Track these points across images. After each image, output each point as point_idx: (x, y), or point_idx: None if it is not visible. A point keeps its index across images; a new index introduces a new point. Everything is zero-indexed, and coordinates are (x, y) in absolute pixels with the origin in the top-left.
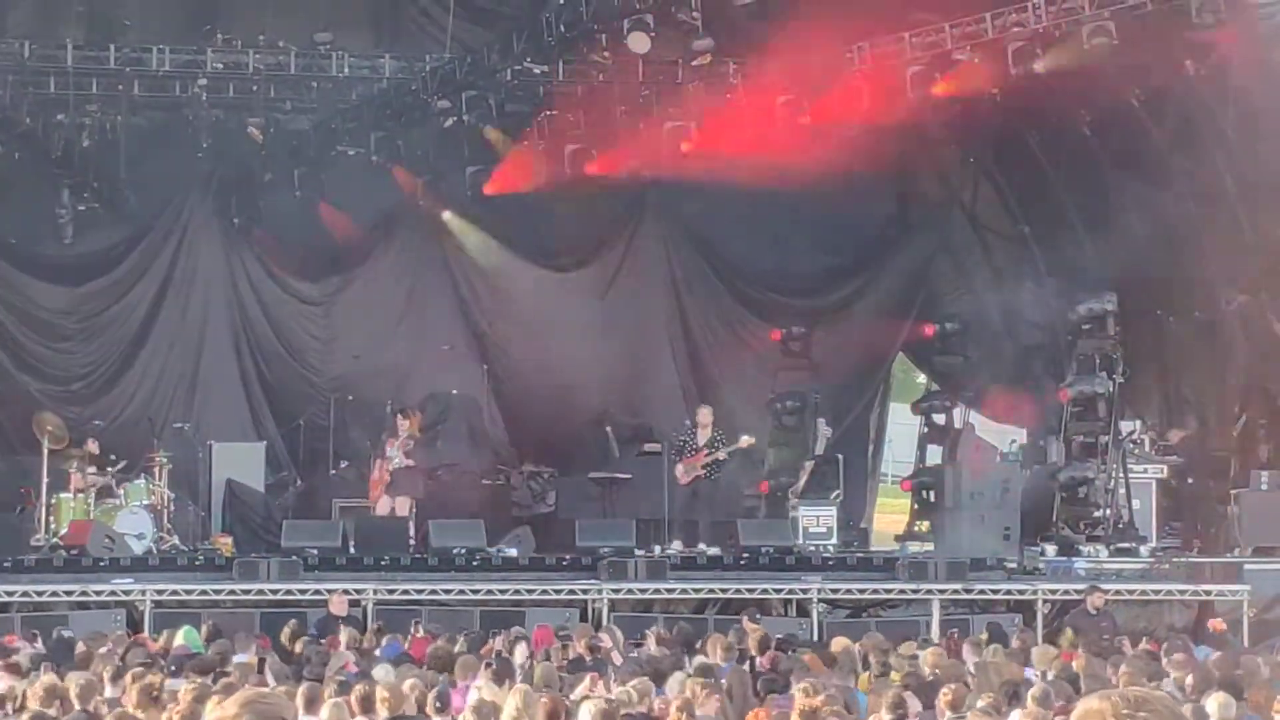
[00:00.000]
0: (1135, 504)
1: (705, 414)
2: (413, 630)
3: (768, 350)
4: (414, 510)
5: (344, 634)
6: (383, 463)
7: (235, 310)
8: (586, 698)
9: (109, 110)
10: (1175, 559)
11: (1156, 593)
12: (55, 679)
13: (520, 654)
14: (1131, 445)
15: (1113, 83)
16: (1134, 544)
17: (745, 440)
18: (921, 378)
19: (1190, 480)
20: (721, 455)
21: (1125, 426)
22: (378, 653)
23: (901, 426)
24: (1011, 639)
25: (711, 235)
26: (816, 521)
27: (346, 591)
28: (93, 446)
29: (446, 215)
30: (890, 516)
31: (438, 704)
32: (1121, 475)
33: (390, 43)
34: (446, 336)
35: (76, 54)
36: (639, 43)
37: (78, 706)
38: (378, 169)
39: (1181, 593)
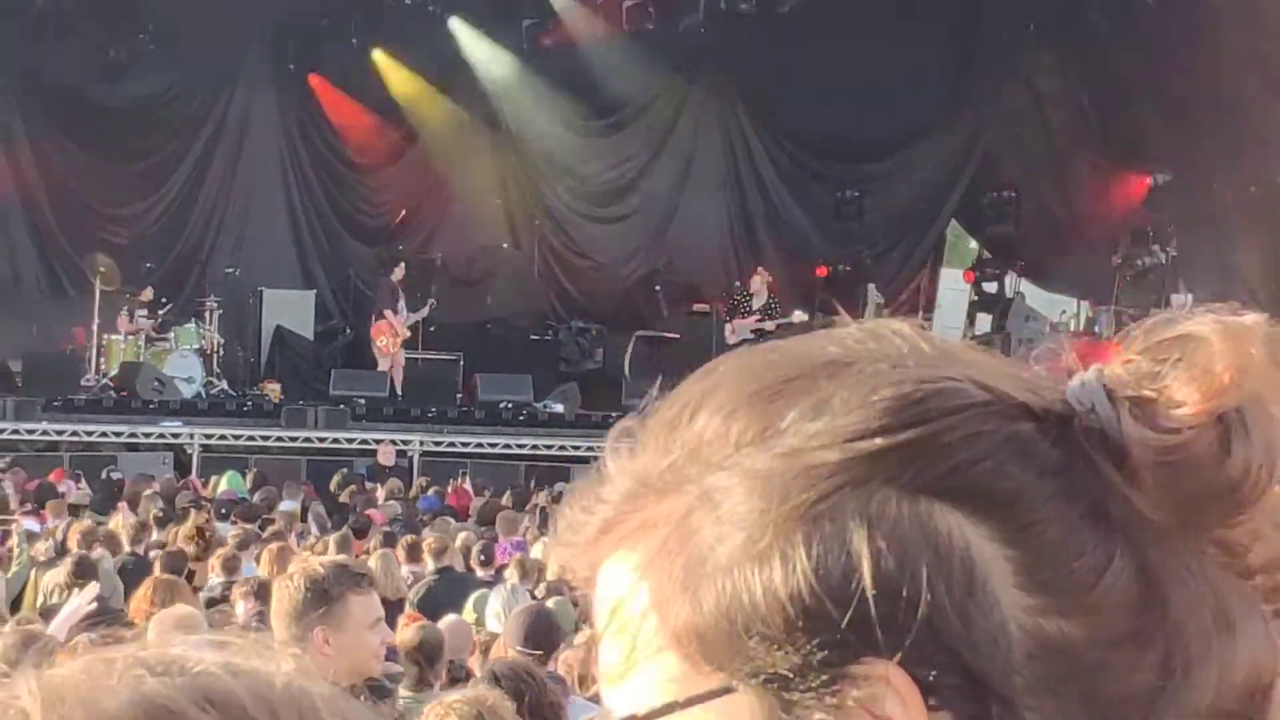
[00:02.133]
0: None
1: (760, 278)
2: (458, 482)
3: (821, 213)
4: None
5: (389, 484)
6: (398, 319)
7: (288, 158)
8: None
9: None
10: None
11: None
12: (93, 523)
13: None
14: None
15: None
16: None
17: (797, 315)
18: (973, 244)
19: None
20: (770, 326)
21: (1176, 299)
22: (419, 504)
23: (951, 292)
24: None
25: (769, 96)
26: None
27: (394, 442)
28: (147, 293)
29: (500, 68)
30: None
31: (482, 558)
32: None
33: None
34: (499, 190)
35: None
36: None
37: (127, 548)
38: (435, 18)
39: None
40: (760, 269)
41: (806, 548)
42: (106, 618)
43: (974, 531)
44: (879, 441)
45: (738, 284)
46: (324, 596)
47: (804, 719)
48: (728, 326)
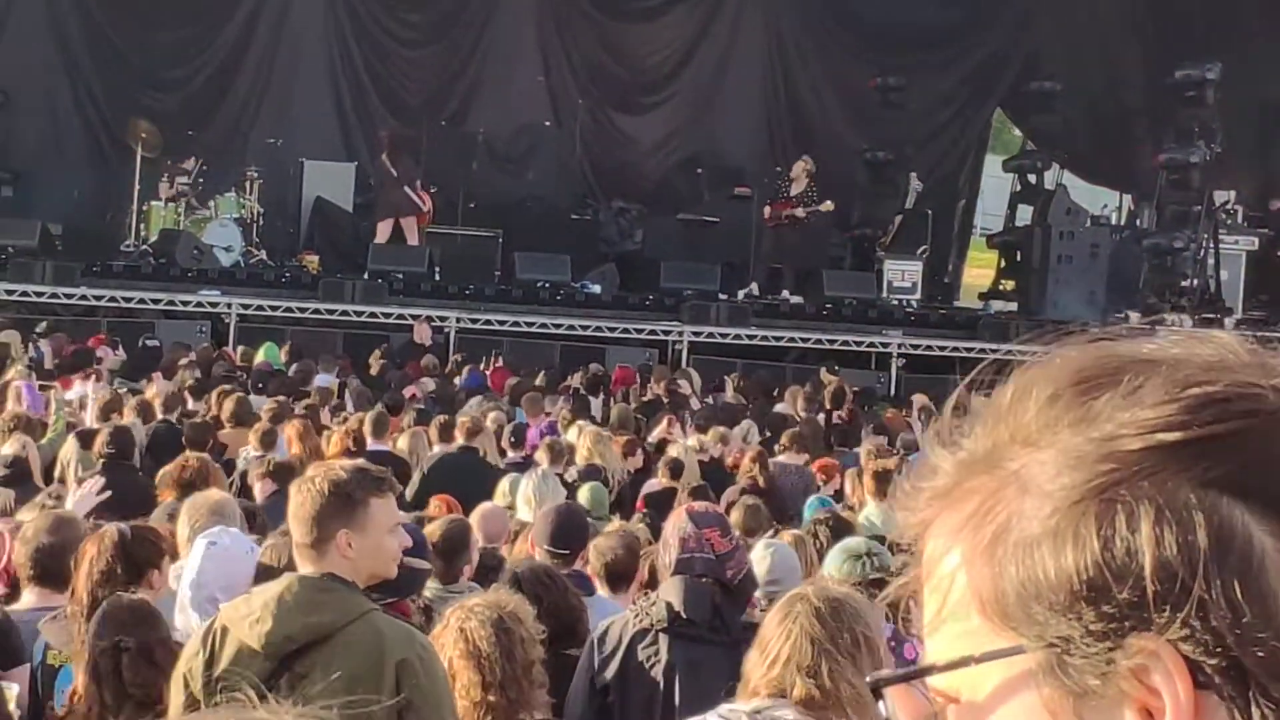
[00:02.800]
0: (1224, 275)
1: (801, 166)
2: (492, 360)
3: (864, 100)
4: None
5: (425, 360)
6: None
7: (331, 27)
8: (663, 440)
9: None
10: (1260, 332)
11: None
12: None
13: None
14: (1224, 215)
15: None
16: (1219, 315)
17: (826, 205)
18: (1018, 133)
19: None
20: (800, 213)
21: (1220, 196)
22: (457, 382)
23: (993, 180)
24: None
25: None
26: (902, 276)
27: (429, 318)
28: (188, 162)
29: None
30: (979, 270)
31: (513, 439)
32: (1211, 245)
33: None
34: (541, 68)
35: None
36: None
37: (160, 415)
38: None
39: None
40: (806, 157)
41: (1099, 526)
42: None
43: (1257, 527)
44: (1178, 434)
45: (779, 169)
46: (347, 500)
47: (1080, 682)
48: (765, 209)
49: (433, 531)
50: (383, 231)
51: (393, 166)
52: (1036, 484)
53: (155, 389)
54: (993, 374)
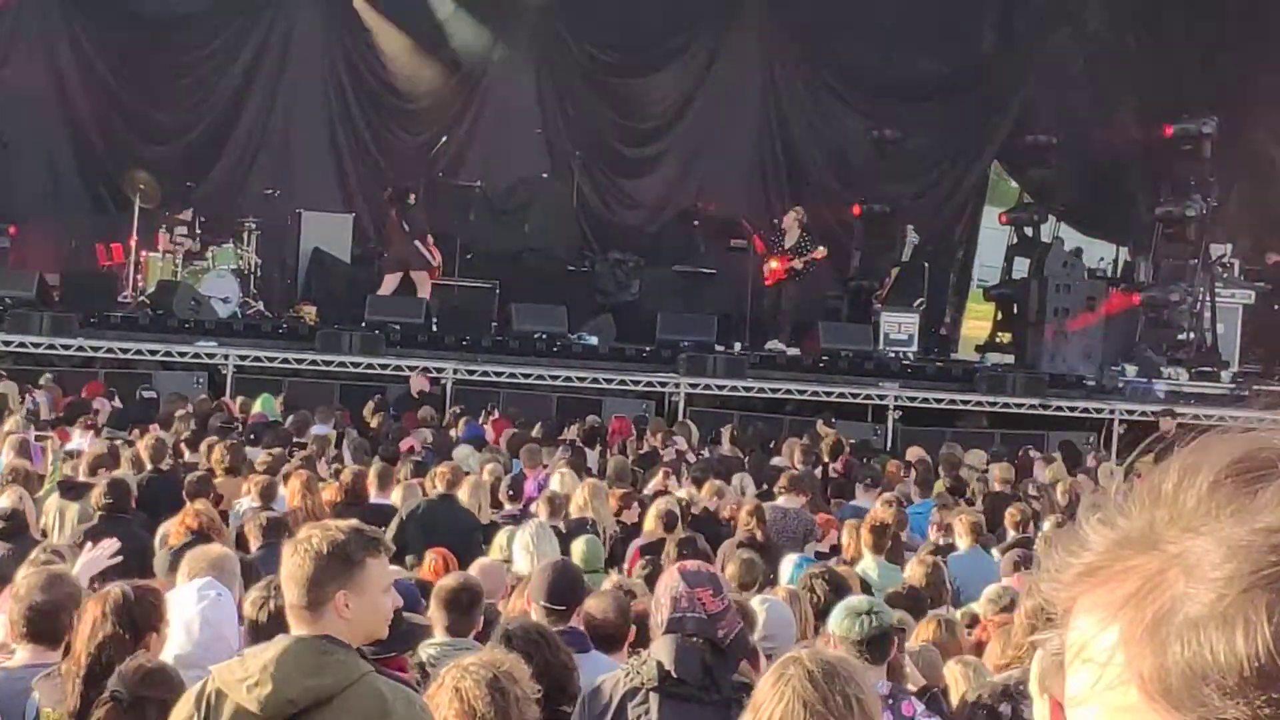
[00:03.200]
0: (1220, 328)
1: (793, 216)
2: (489, 412)
3: (860, 152)
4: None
5: (422, 412)
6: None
7: (329, 79)
8: (658, 492)
9: None
10: (1256, 386)
11: (1234, 419)
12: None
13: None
14: (1220, 269)
15: None
16: (1215, 369)
17: (820, 251)
18: (1014, 185)
19: (1277, 307)
20: (798, 265)
21: (1216, 250)
22: (454, 434)
23: (990, 232)
24: (1086, 457)
25: (812, 32)
26: (898, 328)
27: (426, 370)
28: (185, 213)
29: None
30: (976, 323)
31: (510, 492)
32: (1208, 299)
33: None
34: (539, 121)
35: None
36: None
37: (149, 466)
38: None
39: (1260, 420)
40: (796, 208)
41: (1269, 613)
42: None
43: None
44: None
45: (775, 221)
46: (345, 561)
47: None
48: (765, 267)
49: (449, 584)
50: (388, 284)
51: (405, 221)
52: (1201, 569)
53: (150, 439)
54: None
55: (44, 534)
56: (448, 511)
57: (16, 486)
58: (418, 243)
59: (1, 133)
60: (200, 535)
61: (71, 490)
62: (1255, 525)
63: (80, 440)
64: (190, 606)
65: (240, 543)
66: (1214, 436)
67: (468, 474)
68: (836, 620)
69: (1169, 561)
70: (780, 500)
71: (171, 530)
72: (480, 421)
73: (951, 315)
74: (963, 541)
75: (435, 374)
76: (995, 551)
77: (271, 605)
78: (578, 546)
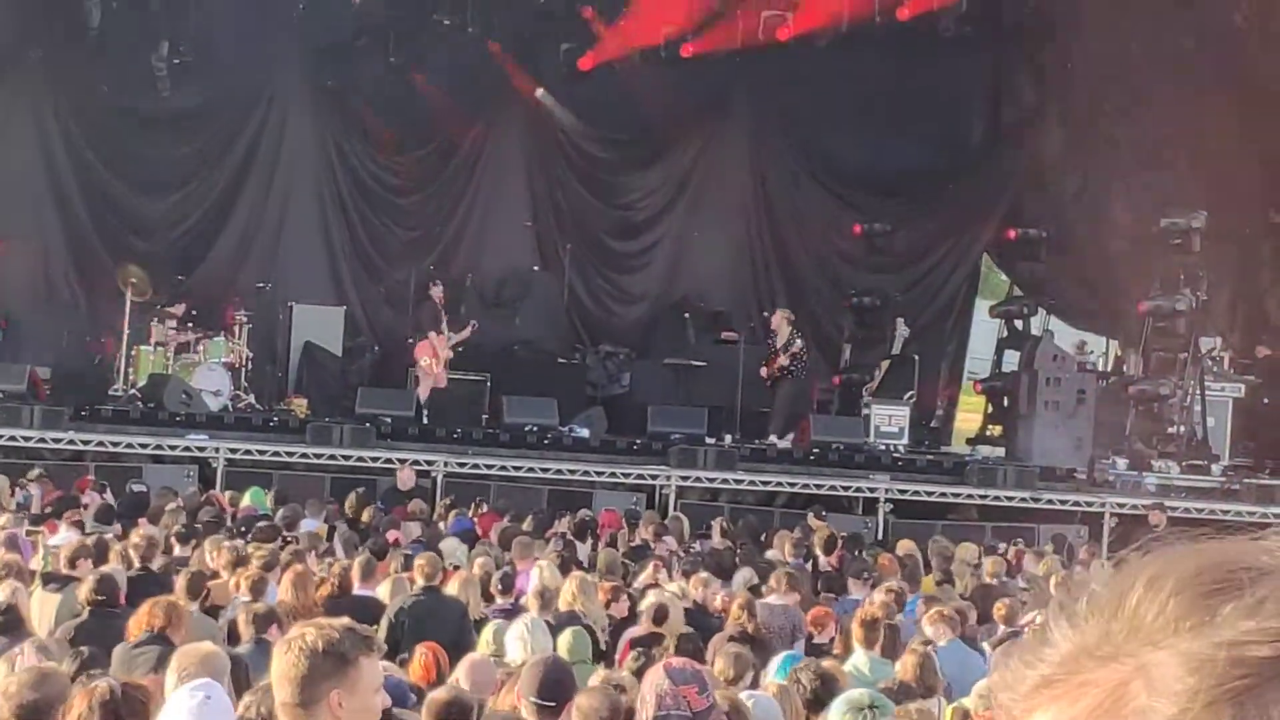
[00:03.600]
0: (1210, 421)
1: (781, 315)
2: (478, 505)
3: (850, 246)
4: (489, 385)
5: (412, 505)
6: (442, 338)
7: (322, 173)
8: (648, 586)
9: None
10: (1247, 479)
11: (1225, 513)
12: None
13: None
14: (1210, 363)
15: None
16: (1206, 462)
17: (798, 344)
18: (1004, 278)
19: (1266, 401)
20: (784, 361)
21: (1206, 343)
22: (443, 526)
23: (980, 325)
24: (1078, 551)
25: (801, 126)
26: (889, 421)
27: (416, 462)
28: (177, 306)
29: (539, 91)
30: (966, 415)
31: (501, 585)
32: (1198, 392)
33: None
34: (530, 213)
35: None
36: None
37: (137, 563)
38: (473, 40)
39: (1251, 514)
40: (783, 308)
41: None
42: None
43: None
44: None
45: (765, 314)
46: (340, 660)
47: None
48: (762, 370)
49: (439, 698)
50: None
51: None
52: (1163, 683)
53: (140, 534)
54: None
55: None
56: (436, 605)
57: (10, 581)
58: (432, 333)
59: None
60: (159, 636)
61: (53, 583)
62: (1216, 639)
63: (66, 534)
64: (182, 709)
65: (233, 639)
66: (1174, 549)
67: (456, 568)
68: (838, 713)
69: (1130, 675)
70: (771, 597)
71: (130, 625)
72: (470, 514)
73: (945, 408)
74: (943, 636)
75: (426, 466)
76: (986, 645)
77: (263, 708)
78: (564, 639)
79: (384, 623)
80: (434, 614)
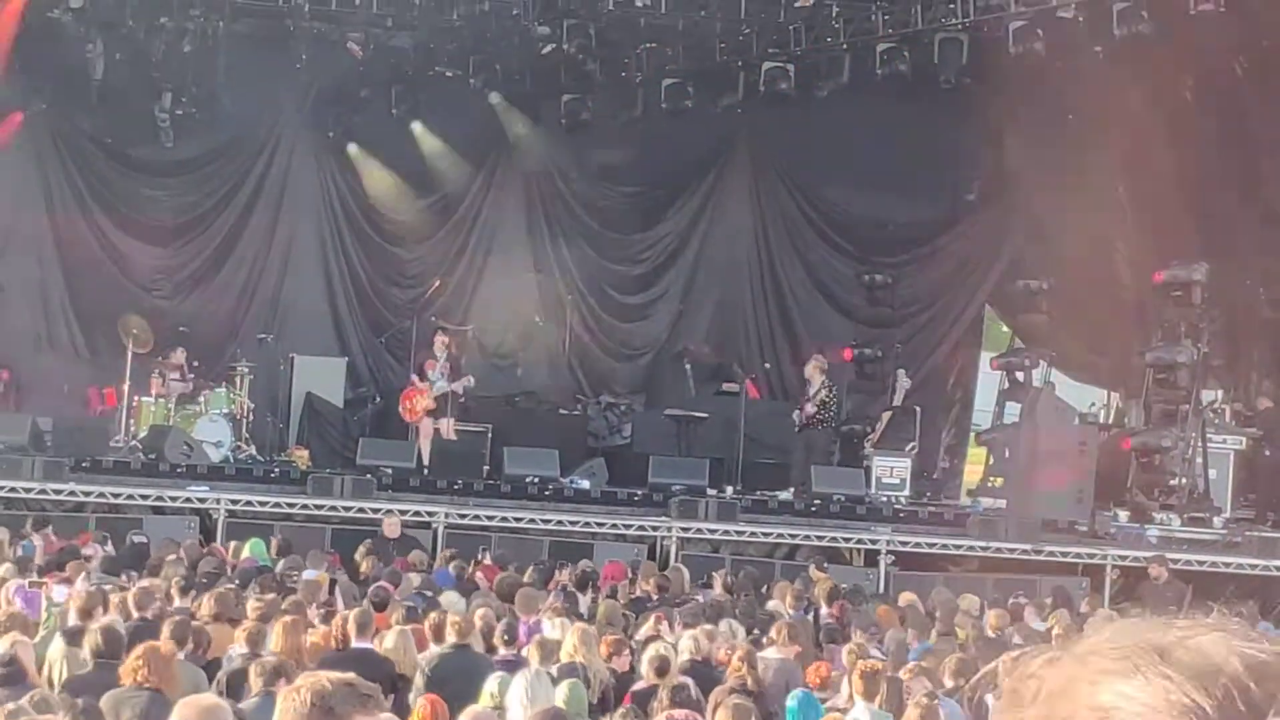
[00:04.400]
0: (1212, 474)
1: (815, 364)
2: (479, 556)
3: (852, 298)
4: (490, 435)
5: (412, 555)
6: (424, 386)
7: (324, 224)
8: (650, 637)
9: (211, 16)
10: (1249, 532)
11: (1227, 565)
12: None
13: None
14: (1212, 415)
15: (1217, 50)
16: (1208, 514)
17: (822, 393)
18: (1005, 329)
19: (1268, 453)
20: (811, 409)
21: (1207, 395)
22: (433, 577)
23: (982, 376)
24: (1080, 603)
25: (804, 178)
26: (890, 472)
27: (418, 514)
28: (179, 357)
29: (538, 144)
30: (972, 467)
31: (506, 637)
32: (1200, 444)
33: None
34: (532, 263)
35: None
36: None
37: (135, 614)
38: (475, 91)
39: (1253, 566)
40: (817, 356)
41: None
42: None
43: None
44: None
45: (767, 365)
46: (329, 714)
47: None
48: (795, 414)
49: None
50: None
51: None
52: None
53: (136, 588)
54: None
55: (50, 682)
56: (469, 661)
57: (14, 633)
58: (414, 378)
59: None
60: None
61: (74, 637)
62: None
63: (68, 586)
64: None
65: (232, 691)
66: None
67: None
68: None
69: None
70: (770, 651)
71: (121, 673)
72: (469, 567)
73: (952, 461)
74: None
75: (427, 518)
76: (990, 698)
77: None
78: (560, 692)
79: (418, 681)
80: (466, 671)
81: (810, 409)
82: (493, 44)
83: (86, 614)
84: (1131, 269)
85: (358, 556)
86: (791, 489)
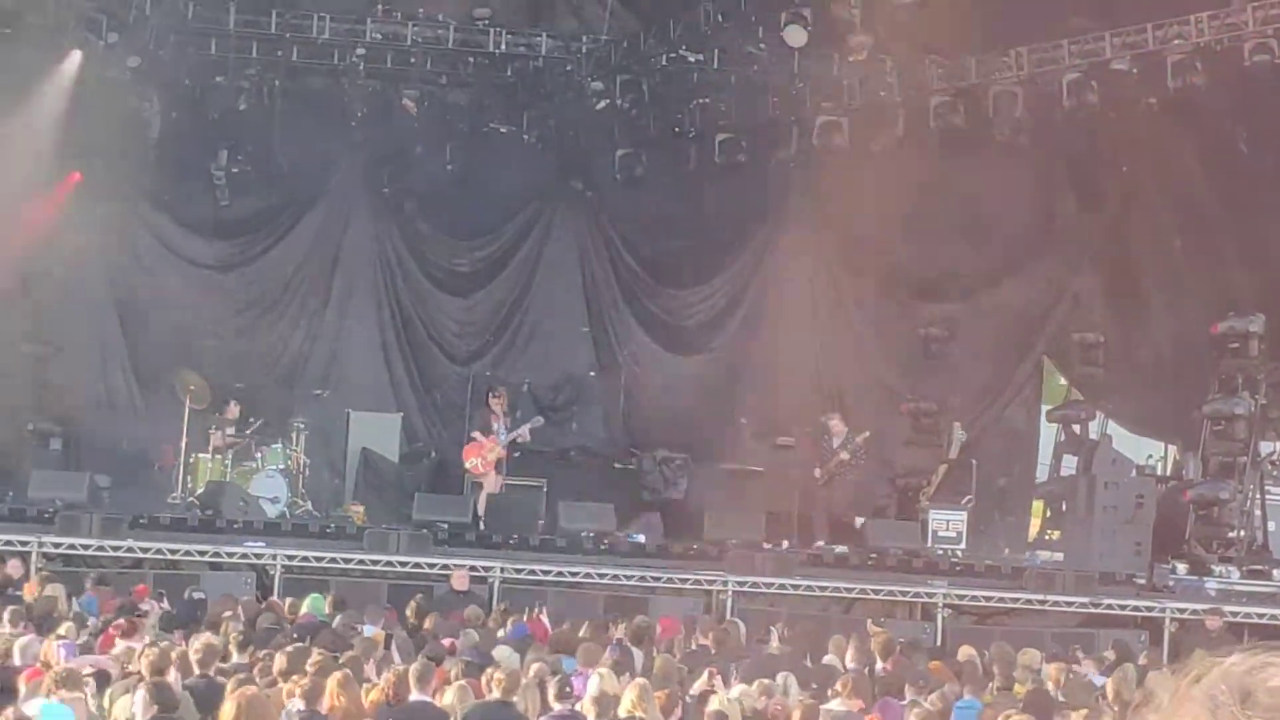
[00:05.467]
0: (1271, 526)
1: (836, 421)
2: (535, 612)
3: (907, 351)
4: (545, 490)
5: (468, 611)
6: (488, 440)
7: (379, 280)
8: (705, 692)
9: (267, 75)
10: None
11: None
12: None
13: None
14: (1270, 467)
15: (1272, 100)
16: (1267, 566)
17: (864, 434)
18: (1063, 381)
19: None
20: (845, 456)
21: (1265, 447)
22: (501, 634)
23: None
24: (1139, 657)
25: (858, 233)
26: (946, 526)
27: (473, 568)
28: (233, 411)
29: (594, 196)
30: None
31: (564, 689)
32: (1258, 496)
33: (548, 22)
34: (586, 318)
35: (238, 17)
36: (795, 36)
37: (197, 671)
38: (529, 147)
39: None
40: (833, 414)
41: None
42: None
43: None
44: None
45: (823, 418)
46: None
47: None
48: (817, 471)
49: None
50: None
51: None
52: None
53: (196, 642)
54: None
55: None
56: (504, 714)
57: (71, 690)
58: (476, 434)
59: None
60: None
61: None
62: None
63: (126, 643)
64: None
65: None
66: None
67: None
68: None
69: None
70: (834, 703)
71: None
72: (525, 619)
73: (1015, 515)
74: None
75: (482, 572)
76: None
77: None
78: None
79: None
80: None
81: (845, 455)
82: (546, 99)
83: (157, 671)
84: (1188, 321)
85: (409, 612)
86: (819, 541)
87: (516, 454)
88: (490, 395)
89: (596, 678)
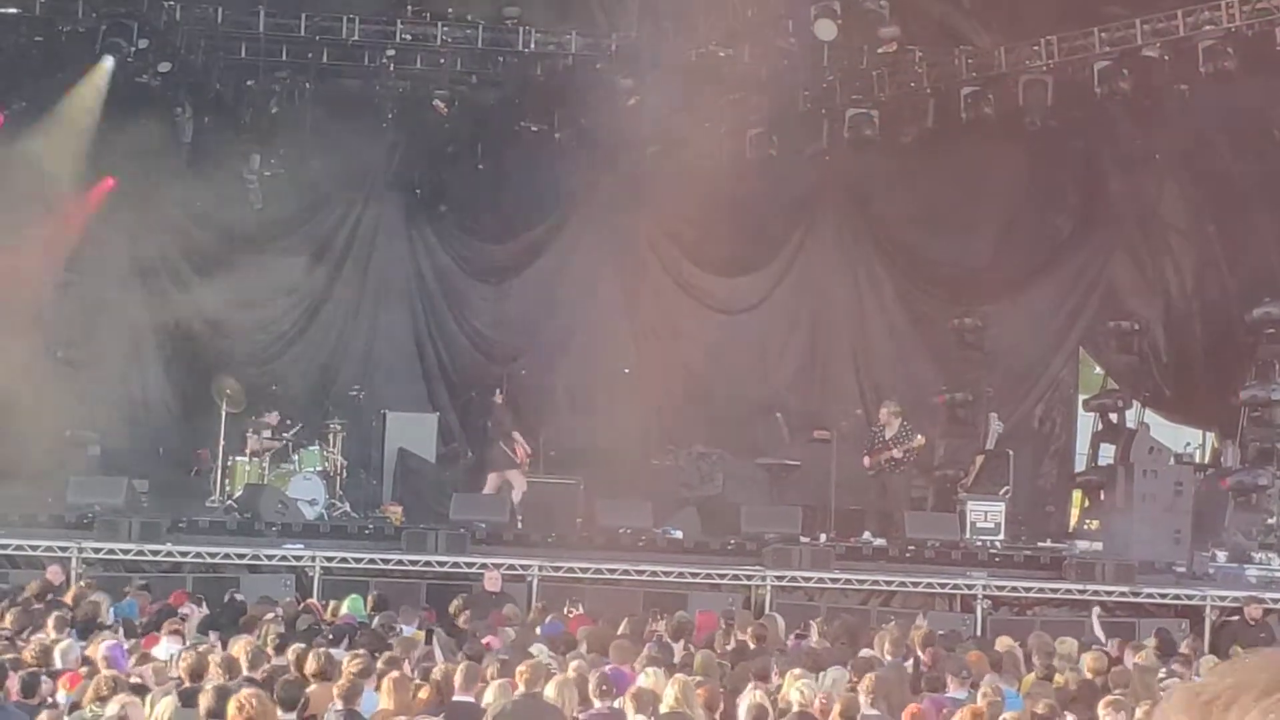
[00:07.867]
0: None
1: (888, 411)
2: (573, 607)
3: (942, 342)
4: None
5: (507, 609)
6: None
7: (413, 281)
8: (746, 688)
9: (298, 77)
10: None
11: None
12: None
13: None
14: None
15: None
16: None
17: (919, 440)
18: (1098, 371)
19: None
20: (898, 454)
21: None
22: (538, 630)
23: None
24: (1179, 645)
25: (890, 225)
26: (984, 516)
27: (512, 567)
28: (272, 417)
29: (624, 193)
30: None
31: (602, 687)
32: None
33: (577, 19)
34: (622, 315)
35: (268, 21)
36: (825, 30)
37: (245, 672)
38: (560, 145)
39: None
40: (887, 402)
41: None
42: None
43: None
44: None
45: (859, 412)
46: None
47: None
48: (865, 459)
49: None
50: (491, 483)
51: (502, 420)
52: None
53: (237, 644)
54: None
55: None
56: (536, 709)
57: (122, 695)
58: (501, 442)
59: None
60: None
61: (189, 698)
62: None
63: (167, 646)
64: None
65: None
66: (1258, 654)
67: (552, 672)
68: None
69: None
70: (864, 700)
71: None
72: (565, 613)
73: (1056, 504)
74: None
75: (520, 570)
76: None
77: None
78: None
79: None
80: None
81: (896, 453)
82: (576, 98)
83: (196, 675)
84: (1224, 307)
85: (452, 610)
86: (866, 532)
87: (552, 452)
88: (496, 393)
89: (645, 673)
